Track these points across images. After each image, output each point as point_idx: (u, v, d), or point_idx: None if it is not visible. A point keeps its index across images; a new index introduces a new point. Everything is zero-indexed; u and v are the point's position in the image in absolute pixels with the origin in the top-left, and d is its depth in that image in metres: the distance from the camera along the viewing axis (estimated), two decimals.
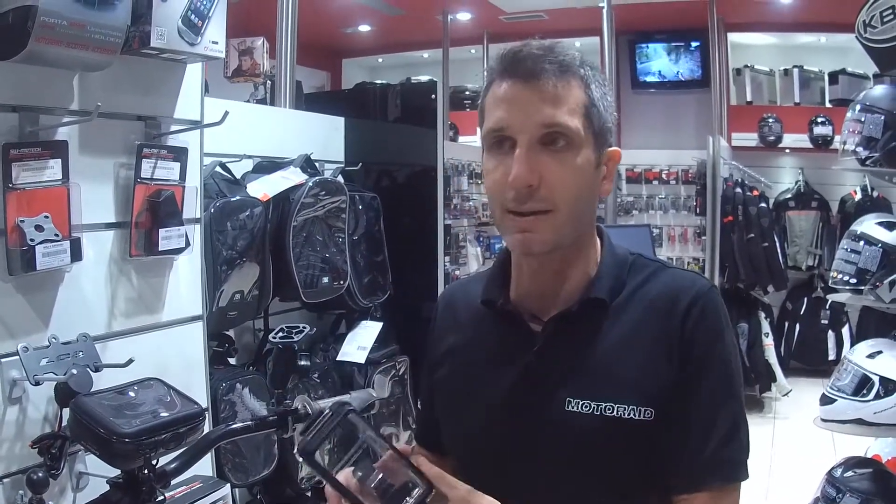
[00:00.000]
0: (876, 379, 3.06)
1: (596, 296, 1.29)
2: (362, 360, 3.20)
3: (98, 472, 1.79)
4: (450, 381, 1.43)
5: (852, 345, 4.75)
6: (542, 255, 1.27)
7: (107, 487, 1.62)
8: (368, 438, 1.19)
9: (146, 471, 1.59)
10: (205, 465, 2.23)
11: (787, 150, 7.99)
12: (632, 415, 1.21)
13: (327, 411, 1.21)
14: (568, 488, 1.14)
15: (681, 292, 1.28)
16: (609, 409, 1.21)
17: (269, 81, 4.43)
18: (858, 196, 7.45)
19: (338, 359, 3.23)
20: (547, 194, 1.21)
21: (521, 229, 1.24)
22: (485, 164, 1.29)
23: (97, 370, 1.83)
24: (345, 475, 1.15)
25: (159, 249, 2.09)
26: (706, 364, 1.24)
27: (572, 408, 1.23)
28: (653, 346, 1.25)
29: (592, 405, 1.22)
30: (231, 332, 2.90)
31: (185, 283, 2.26)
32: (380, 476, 1.17)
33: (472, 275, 1.54)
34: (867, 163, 3.18)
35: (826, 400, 3.21)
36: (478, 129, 1.33)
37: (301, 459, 1.15)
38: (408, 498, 1.17)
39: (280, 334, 2.96)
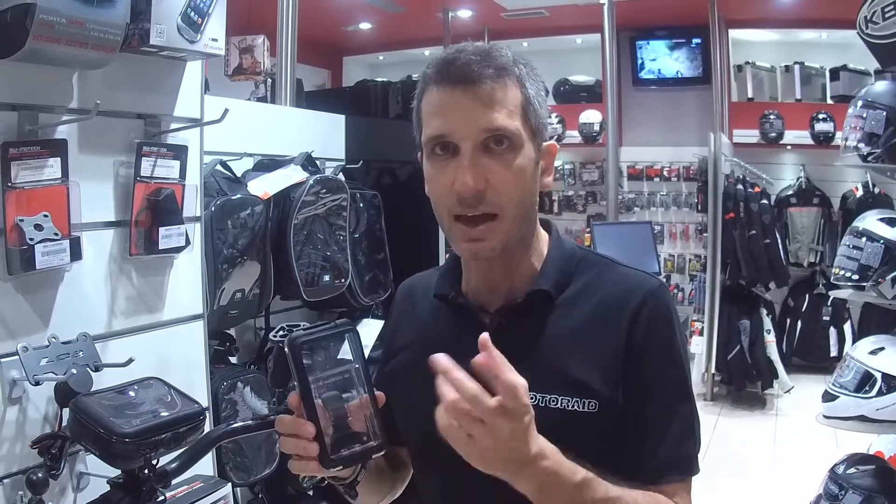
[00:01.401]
0: (878, 375, 3.05)
1: (541, 288, 1.32)
2: None
3: (98, 472, 1.79)
4: (405, 371, 1.45)
5: (854, 341, 4.75)
6: (490, 259, 1.29)
7: (107, 487, 1.62)
8: (354, 371, 1.19)
9: (147, 471, 1.59)
10: (206, 465, 2.23)
11: (789, 147, 7.97)
12: (576, 406, 1.24)
13: (334, 323, 1.21)
14: None
15: (630, 293, 1.30)
16: (553, 402, 1.24)
17: (269, 79, 4.44)
18: (860, 192, 7.43)
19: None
20: (493, 198, 1.23)
21: (471, 238, 1.26)
22: (426, 170, 1.30)
23: (97, 370, 1.83)
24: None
25: (159, 248, 2.08)
26: (662, 368, 1.28)
27: None
28: (600, 343, 1.28)
29: (538, 397, 1.24)
30: (232, 331, 2.89)
31: (185, 281, 2.25)
32: (343, 412, 1.17)
33: (433, 269, 1.56)
34: (869, 159, 3.17)
35: (828, 397, 3.21)
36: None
37: (287, 351, 1.15)
38: (357, 445, 1.17)
39: (280, 333, 2.95)
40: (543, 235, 1.40)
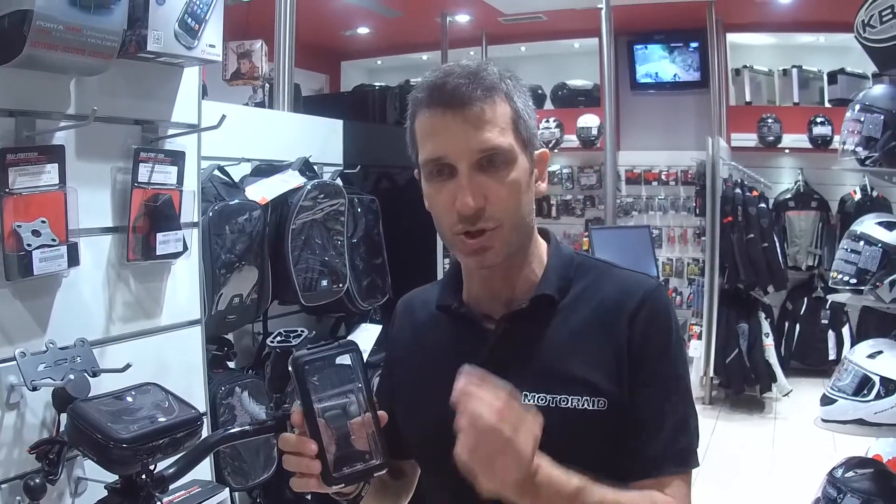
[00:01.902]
0: (876, 379, 3.05)
1: (544, 293, 1.35)
2: None
3: (96, 478, 1.78)
4: (408, 382, 1.47)
5: (852, 345, 4.75)
6: (495, 266, 1.32)
7: (105, 493, 1.62)
8: (356, 389, 1.20)
9: (144, 476, 1.59)
10: (204, 470, 2.23)
11: (787, 151, 7.98)
12: (586, 405, 1.27)
13: (337, 343, 1.23)
14: None
15: (628, 294, 1.34)
16: (564, 402, 1.27)
17: (267, 84, 4.44)
18: (858, 196, 7.43)
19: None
20: (492, 214, 1.26)
21: (475, 249, 1.29)
22: (425, 190, 1.34)
23: (95, 375, 1.83)
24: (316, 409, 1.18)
25: (157, 254, 2.08)
26: (659, 362, 1.31)
27: (529, 401, 1.27)
28: (602, 344, 1.31)
29: (548, 398, 1.27)
30: (230, 336, 2.89)
31: (182, 287, 2.25)
32: (345, 430, 1.17)
33: (431, 283, 1.58)
34: (867, 162, 3.18)
35: (826, 400, 3.21)
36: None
37: (291, 370, 1.16)
38: (359, 463, 1.18)
39: (278, 338, 2.94)
40: (542, 243, 1.43)
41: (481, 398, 1.06)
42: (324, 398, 1.17)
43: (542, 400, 1.27)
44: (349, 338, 3.36)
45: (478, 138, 1.24)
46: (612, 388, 1.27)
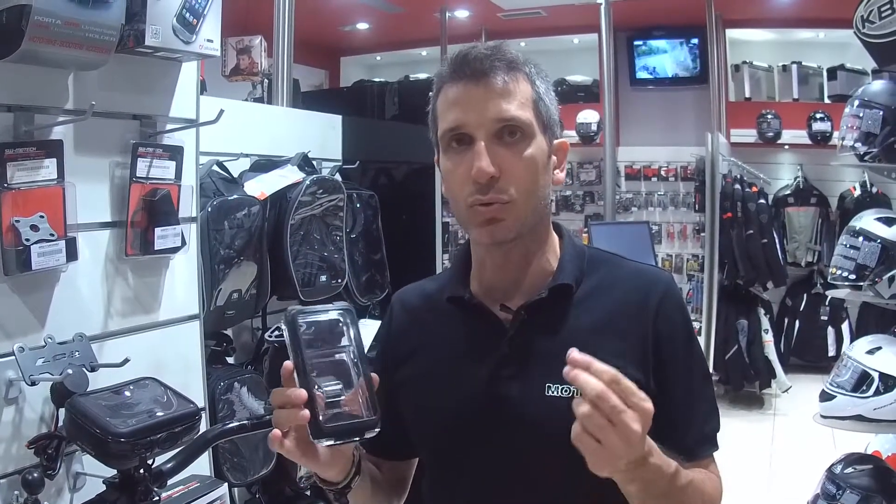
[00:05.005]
0: (875, 375, 3.05)
1: (563, 282, 1.35)
2: None
3: (95, 472, 1.79)
4: (418, 379, 1.43)
5: (852, 341, 4.75)
6: (507, 242, 1.31)
7: (103, 487, 1.62)
8: (349, 350, 1.18)
9: (142, 470, 1.60)
10: (203, 465, 2.23)
11: (786, 147, 7.97)
12: None
13: (333, 306, 1.22)
14: (551, 473, 1.17)
15: (649, 286, 1.36)
16: None
17: (266, 80, 4.43)
18: (857, 192, 7.43)
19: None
20: (506, 185, 1.26)
21: (487, 220, 1.28)
22: (443, 165, 1.34)
23: (93, 370, 1.83)
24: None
25: (155, 249, 2.08)
26: (685, 353, 1.34)
27: (553, 393, 1.27)
28: (626, 335, 1.32)
29: (572, 389, 1.22)
30: (229, 332, 2.89)
31: (181, 282, 2.25)
32: (338, 389, 1.15)
33: (425, 279, 1.56)
34: (866, 158, 3.17)
35: (826, 396, 3.20)
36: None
37: (284, 325, 1.15)
38: (350, 420, 1.14)
39: (276, 333, 2.95)
40: (555, 235, 1.43)
41: (595, 373, 1.03)
42: (316, 356, 1.15)
43: (566, 392, 1.25)
44: None
45: (498, 108, 1.26)
46: (639, 376, 1.26)
